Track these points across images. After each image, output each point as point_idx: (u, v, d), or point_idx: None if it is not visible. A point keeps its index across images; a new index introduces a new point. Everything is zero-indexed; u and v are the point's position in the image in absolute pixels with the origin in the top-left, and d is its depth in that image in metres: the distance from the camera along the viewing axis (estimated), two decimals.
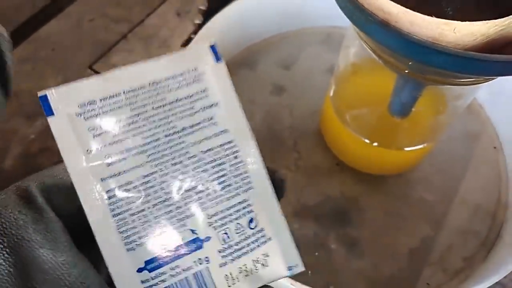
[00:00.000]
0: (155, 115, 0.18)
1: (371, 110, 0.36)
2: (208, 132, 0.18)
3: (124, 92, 0.17)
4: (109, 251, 0.17)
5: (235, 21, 0.44)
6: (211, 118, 0.18)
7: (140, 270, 0.17)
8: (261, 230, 0.19)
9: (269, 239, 0.19)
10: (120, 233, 0.17)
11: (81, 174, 0.17)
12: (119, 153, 0.17)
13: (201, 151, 0.18)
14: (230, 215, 0.19)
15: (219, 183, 0.18)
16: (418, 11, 0.20)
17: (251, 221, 0.19)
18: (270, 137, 0.41)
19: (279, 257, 0.19)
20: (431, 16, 0.20)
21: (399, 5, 0.20)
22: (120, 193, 0.17)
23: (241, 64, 0.46)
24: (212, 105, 0.18)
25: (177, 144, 0.18)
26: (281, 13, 0.46)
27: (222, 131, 0.18)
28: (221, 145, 0.18)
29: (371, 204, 0.38)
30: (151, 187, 0.18)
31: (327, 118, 0.38)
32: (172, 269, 0.18)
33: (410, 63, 0.24)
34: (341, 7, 0.23)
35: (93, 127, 0.17)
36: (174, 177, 0.18)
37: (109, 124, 0.17)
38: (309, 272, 0.35)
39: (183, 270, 0.18)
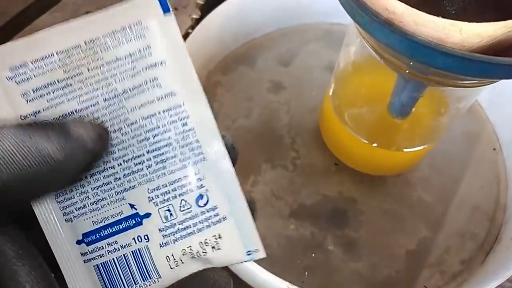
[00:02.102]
0: (91, 77, 0.16)
1: (371, 110, 0.36)
2: (151, 95, 0.16)
3: (57, 53, 0.16)
4: (47, 221, 0.16)
5: (233, 16, 0.43)
6: (155, 79, 0.16)
7: (78, 242, 0.16)
8: (214, 208, 0.17)
9: (224, 218, 0.17)
10: (58, 202, 0.16)
11: None
12: (55, 119, 0.16)
13: (142, 117, 0.16)
14: (174, 190, 0.17)
15: (162, 154, 0.16)
16: (420, 10, 0.20)
17: (200, 197, 0.17)
18: (268, 135, 0.40)
19: (235, 240, 0.17)
20: (434, 15, 0.19)
21: (404, 4, 0.19)
22: None
23: (239, 60, 0.45)
24: (156, 63, 0.16)
25: (117, 109, 0.16)
26: (280, 8, 0.45)
27: (167, 94, 0.16)
28: (166, 110, 0.16)
29: (369, 205, 0.37)
30: None
31: (326, 117, 0.37)
32: (110, 244, 0.16)
33: (411, 63, 0.24)
34: (343, 5, 0.22)
35: (26, 92, 0.16)
36: (113, 146, 0.16)
37: (42, 88, 0.16)
38: (306, 273, 0.34)
39: (121, 246, 0.17)
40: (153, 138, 0.16)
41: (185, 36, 0.48)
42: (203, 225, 0.17)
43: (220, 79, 0.44)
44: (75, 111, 0.16)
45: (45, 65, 0.16)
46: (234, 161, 0.17)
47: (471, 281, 0.34)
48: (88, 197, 0.16)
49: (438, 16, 0.20)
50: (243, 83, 0.43)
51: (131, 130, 0.16)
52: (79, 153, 0.13)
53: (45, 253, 0.15)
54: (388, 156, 0.35)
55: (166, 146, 0.16)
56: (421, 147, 0.34)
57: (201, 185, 0.17)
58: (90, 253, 0.16)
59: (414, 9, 0.19)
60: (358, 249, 0.35)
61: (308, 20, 0.47)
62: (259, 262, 0.26)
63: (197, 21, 0.45)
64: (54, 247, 0.16)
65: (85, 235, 0.16)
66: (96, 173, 0.16)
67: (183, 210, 0.17)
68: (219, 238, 0.17)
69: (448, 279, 0.35)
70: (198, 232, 0.17)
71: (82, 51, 0.16)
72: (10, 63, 0.15)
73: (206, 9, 0.46)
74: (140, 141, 0.16)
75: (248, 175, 0.38)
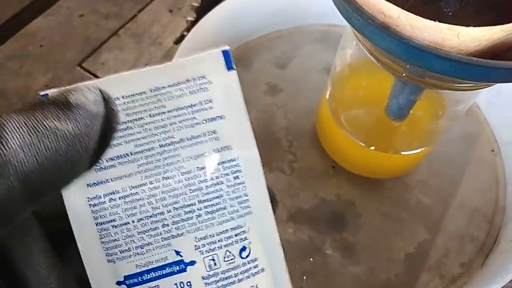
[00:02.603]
0: (151, 122, 0.16)
1: (368, 113, 0.36)
2: (208, 147, 0.17)
3: (123, 97, 0.16)
4: (90, 259, 0.16)
5: (229, 18, 0.42)
6: (214, 132, 0.17)
7: (118, 283, 0.16)
8: (254, 260, 0.17)
9: (262, 270, 0.17)
10: (102, 243, 0.16)
11: None
12: (109, 160, 0.16)
13: (197, 167, 0.16)
14: (220, 240, 0.17)
15: (213, 205, 0.17)
16: (417, 11, 0.19)
17: (243, 249, 0.17)
18: (265, 138, 0.40)
19: None
20: (431, 17, 0.19)
21: (400, 8, 0.19)
22: (105, 202, 0.16)
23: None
24: (216, 117, 0.17)
25: (171, 156, 0.16)
26: (276, 10, 0.45)
27: (224, 147, 0.17)
28: (220, 163, 0.17)
29: (367, 208, 0.37)
30: (138, 199, 0.16)
31: (323, 121, 0.37)
32: None
33: (407, 66, 0.23)
34: (338, 9, 0.22)
35: None
36: (164, 192, 0.16)
37: None
38: (304, 278, 0.34)
39: None
40: (206, 189, 0.17)
41: (180, 39, 0.48)
42: (244, 276, 0.17)
43: None
44: (130, 154, 0.16)
45: None
46: (273, 211, 0.18)
47: (471, 284, 0.33)
48: (133, 241, 0.16)
49: (435, 17, 0.19)
50: None
51: (185, 179, 0.16)
52: (85, 118, 0.13)
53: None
54: (385, 159, 0.35)
55: (217, 197, 0.17)
56: (419, 150, 0.33)
57: (246, 237, 0.17)
58: None
59: (410, 13, 0.18)
60: (356, 253, 0.35)
61: (304, 22, 0.47)
62: None
63: (193, 24, 0.45)
64: (94, 284, 0.16)
65: (126, 277, 0.16)
66: (144, 218, 0.16)
67: (227, 261, 0.17)
68: None
69: (448, 282, 0.34)
70: (238, 282, 0.17)
71: (146, 97, 0.16)
72: None
73: (201, 11, 0.45)
74: (192, 191, 0.17)
75: None
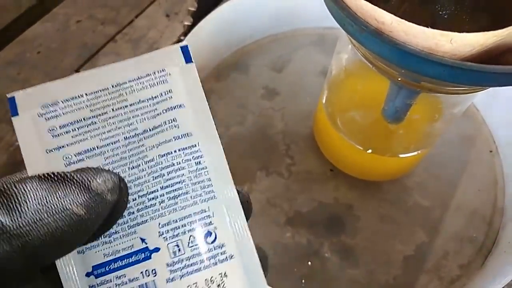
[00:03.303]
0: (114, 116, 0.17)
1: (365, 117, 0.36)
2: (169, 134, 0.17)
3: (86, 94, 0.17)
4: None
5: (225, 22, 0.42)
6: (174, 120, 0.17)
7: (88, 274, 0.16)
8: (221, 246, 0.17)
9: (231, 256, 0.17)
10: None
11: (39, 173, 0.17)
12: (77, 154, 0.17)
13: (159, 155, 0.17)
14: (184, 225, 0.17)
15: (175, 190, 0.17)
16: (412, 14, 0.19)
17: (208, 234, 0.17)
18: (262, 142, 0.40)
19: (240, 279, 0.17)
20: (426, 20, 0.19)
21: (392, 15, 0.19)
22: None
23: (232, 67, 0.45)
24: (176, 106, 0.17)
25: (136, 147, 0.17)
26: (272, 14, 0.45)
27: (184, 134, 0.17)
28: (181, 149, 0.17)
29: (366, 211, 0.37)
30: None
31: (320, 124, 0.37)
32: (118, 277, 0.17)
33: (402, 70, 0.23)
34: (333, 15, 0.22)
35: (53, 128, 0.17)
36: (130, 182, 0.17)
37: (68, 125, 0.17)
38: (303, 281, 0.34)
39: (129, 280, 0.17)
40: (168, 174, 0.17)
41: (177, 43, 0.48)
42: (210, 262, 0.17)
43: (213, 86, 0.43)
44: (96, 147, 0.17)
45: (74, 104, 0.17)
46: (246, 213, 0.18)
47: (470, 286, 0.33)
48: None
49: (430, 20, 0.19)
50: (236, 90, 0.43)
51: (148, 167, 0.17)
52: (99, 206, 0.14)
53: None
54: (383, 162, 0.35)
55: (179, 182, 0.17)
56: (416, 153, 0.33)
57: (210, 222, 0.17)
58: (98, 285, 0.17)
59: (403, 20, 0.18)
60: (354, 256, 0.35)
61: (300, 26, 0.47)
62: None
63: (189, 28, 0.45)
64: (64, 278, 0.16)
65: (95, 267, 0.17)
66: None
67: (191, 246, 0.17)
68: (225, 276, 0.17)
69: (447, 284, 0.34)
70: (204, 269, 0.17)
71: (109, 93, 0.17)
72: (42, 101, 0.17)
73: (198, 16, 0.46)
74: (155, 178, 0.17)
75: (243, 183, 0.38)
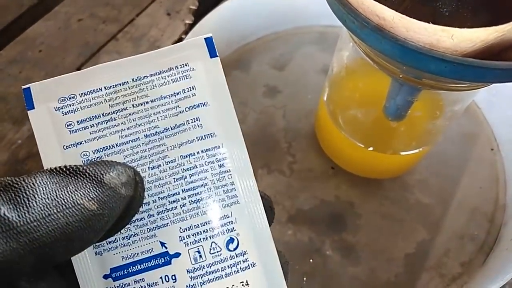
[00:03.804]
0: (135, 113, 0.16)
1: (366, 114, 0.36)
2: (192, 134, 0.16)
3: (105, 88, 0.16)
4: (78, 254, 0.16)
5: (226, 20, 0.43)
6: (197, 119, 0.16)
7: (105, 276, 0.16)
8: (243, 253, 0.16)
9: (253, 265, 0.16)
10: None
11: None
12: (95, 152, 0.16)
13: (181, 156, 0.16)
14: (206, 231, 0.16)
15: (197, 194, 0.16)
16: (413, 11, 0.19)
17: (230, 241, 0.16)
18: (264, 140, 0.40)
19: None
20: (427, 17, 0.19)
21: (394, 11, 0.19)
22: None
23: (233, 65, 0.45)
24: (199, 104, 0.16)
25: (157, 146, 0.16)
26: (273, 12, 0.45)
27: (207, 135, 0.16)
28: (204, 151, 0.16)
29: (367, 209, 0.37)
30: None
31: (321, 122, 0.37)
32: (136, 281, 0.16)
33: (404, 67, 0.23)
34: (334, 11, 0.22)
35: (70, 123, 0.16)
36: (150, 182, 0.16)
37: (87, 120, 0.16)
38: (304, 279, 0.34)
39: (148, 285, 0.16)
40: (190, 177, 0.16)
41: (179, 42, 0.48)
42: (232, 270, 0.16)
43: None
44: (115, 145, 0.16)
45: (92, 98, 0.16)
46: (269, 221, 0.17)
47: (472, 283, 0.33)
48: (120, 232, 0.16)
49: (432, 18, 0.19)
50: (237, 88, 0.43)
51: (169, 168, 0.16)
52: (113, 200, 0.13)
53: None
54: (384, 159, 0.35)
55: (201, 186, 0.16)
56: (418, 150, 0.33)
57: (233, 228, 0.16)
58: None
59: (404, 16, 0.18)
60: (356, 253, 0.35)
61: (302, 24, 0.47)
62: None
63: (190, 27, 0.45)
64: (81, 279, 0.16)
65: (113, 269, 0.16)
66: None
67: (213, 253, 0.16)
68: (247, 285, 0.16)
69: (448, 281, 0.34)
70: (226, 277, 0.16)
71: (129, 87, 0.16)
72: (60, 94, 0.16)
73: (199, 15, 0.46)
74: (176, 179, 0.16)
75: None
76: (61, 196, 0.12)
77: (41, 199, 0.12)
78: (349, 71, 0.33)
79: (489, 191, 0.38)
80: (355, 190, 0.38)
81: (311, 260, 0.35)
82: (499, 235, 0.36)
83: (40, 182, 0.12)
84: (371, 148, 0.33)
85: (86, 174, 0.13)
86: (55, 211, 0.12)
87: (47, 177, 0.12)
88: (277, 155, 0.39)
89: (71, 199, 0.12)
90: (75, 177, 0.13)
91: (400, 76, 0.25)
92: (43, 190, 0.12)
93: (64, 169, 0.13)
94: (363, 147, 0.33)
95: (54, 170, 0.13)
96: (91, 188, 0.13)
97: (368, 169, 0.37)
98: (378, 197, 0.38)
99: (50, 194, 0.12)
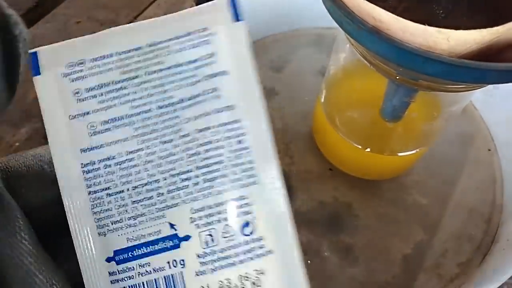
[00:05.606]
0: (147, 81, 0.15)
1: (363, 115, 0.36)
2: (209, 106, 0.15)
3: (117, 53, 0.15)
4: (79, 233, 0.15)
5: None
6: (215, 90, 0.15)
7: (108, 259, 0.15)
8: (259, 239, 0.15)
9: (269, 252, 0.15)
10: (94, 213, 0.15)
11: (60, 142, 0.15)
12: (103, 123, 0.15)
13: (196, 130, 0.15)
14: (219, 213, 0.15)
15: (211, 172, 0.15)
16: (411, 13, 0.20)
17: (246, 225, 0.15)
18: None
19: (278, 279, 0.15)
20: (423, 20, 0.19)
21: (389, 13, 0.19)
22: (99, 168, 0.15)
23: None
24: (218, 73, 0.15)
25: (170, 118, 0.15)
26: (271, 14, 0.45)
27: (226, 107, 0.15)
28: (222, 124, 0.15)
29: (365, 210, 0.37)
30: (134, 166, 0.15)
31: (319, 124, 0.37)
32: (142, 266, 0.15)
33: (400, 69, 0.23)
34: (330, 13, 0.22)
35: (78, 91, 0.15)
36: (161, 158, 0.15)
37: (96, 88, 0.15)
38: None
39: (154, 270, 0.15)
40: (205, 153, 0.15)
41: None
42: (246, 256, 0.15)
43: None
44: (125, 116, 0.15)
45: (102, 64, 0.15)
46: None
47: (469, 284, 0.33)
48: (126, 211, 0.15)
49: (428, 19, 0.20)
50: None
51: (183, 143, 0.15)
52: None
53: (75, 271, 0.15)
54: (381, 160, 0.35)
55: (217, 163, 0.15)
56: (415, 151, 0.33)
57: (249, 211, 0.15)
58: (119, 273, 0.15)
59: (400, 18, 0.18)
60: (354, 254, 0.35)
61: (299, 25, 0.47)
62: None
63: None
64: (82, 261, 0.15)
65: (116, 252, 0.15)
66: (139, 186, 0.15)
67: (226, 237, 0.15)
68: (261, 274, 0.15)
69: (446, 282, 0.34)
70: (239, 263, 0.15)
71: (143, 53, 0.15)
72: (68, 59, 0.15)
73: None
74: (190, 155, 0.15)
75: None
76: None
77: None
78: (346, 73, 0.33)
79: (486, 192, 0.39)
80: (353, 192, 0.38)
81: (309, 262, 0.35)
82: (496, 235, 0.36)
83: None
84: (368, 149, 0.33)
85: None
86: None
87: None
88: None
89: None
90: None
91: (397, 77, 0.25)
92: None
93: None
94: (360, 148, 0.33)
95: None
96: None
97: (365, 170, 0.37)
98: (376, 198, 0.38)
99: None
